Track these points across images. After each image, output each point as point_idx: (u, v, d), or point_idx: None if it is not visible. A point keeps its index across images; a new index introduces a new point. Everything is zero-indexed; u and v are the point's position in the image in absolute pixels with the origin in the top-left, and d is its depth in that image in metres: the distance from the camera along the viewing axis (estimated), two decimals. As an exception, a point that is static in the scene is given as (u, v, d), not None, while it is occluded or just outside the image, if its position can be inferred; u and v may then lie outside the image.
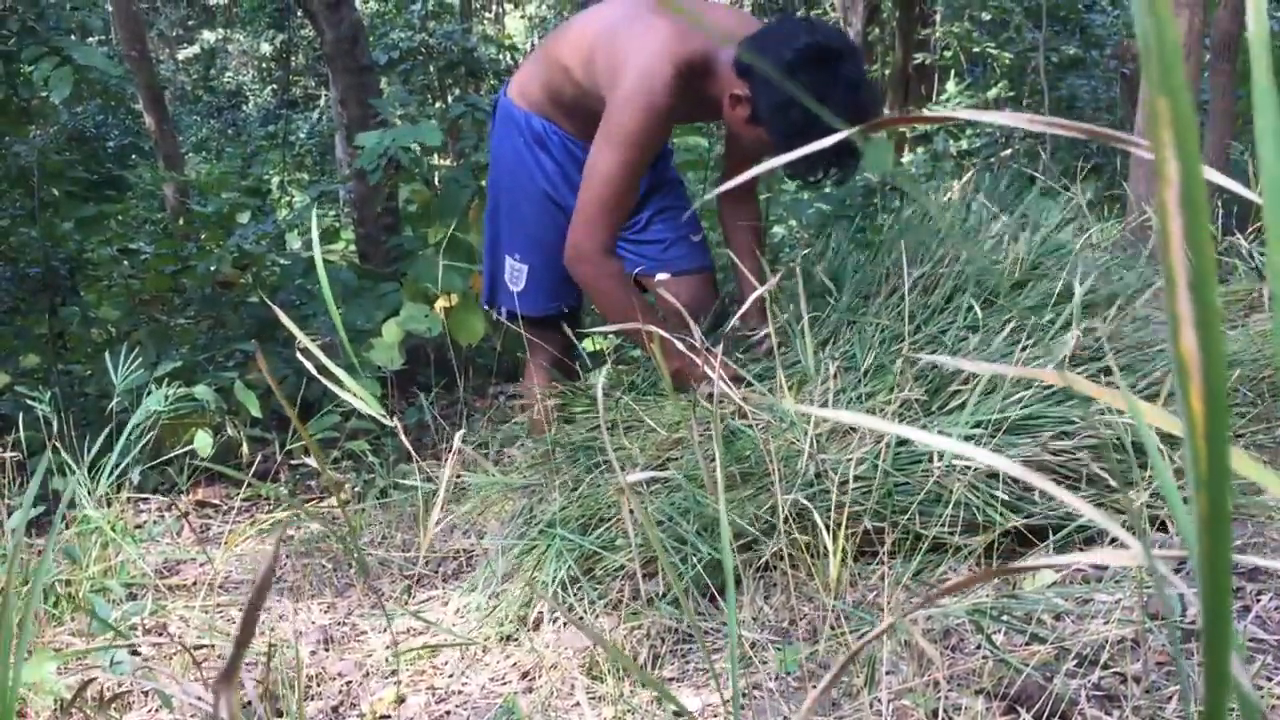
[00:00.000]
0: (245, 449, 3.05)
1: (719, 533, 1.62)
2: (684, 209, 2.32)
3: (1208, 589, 0.37)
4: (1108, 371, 1.78)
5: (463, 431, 1.51)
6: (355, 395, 1.07)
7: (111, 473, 2.22)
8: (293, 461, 3.01)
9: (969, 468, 1.63)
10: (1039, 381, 1.73)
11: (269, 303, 1.51)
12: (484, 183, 3.95)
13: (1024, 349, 1.78)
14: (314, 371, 1.12)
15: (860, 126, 0.50)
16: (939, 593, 0.50)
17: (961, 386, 1.75)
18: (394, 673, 1.67)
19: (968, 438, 1.67)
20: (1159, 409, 0.52)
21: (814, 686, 1.42)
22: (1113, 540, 1.48)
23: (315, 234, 1.16)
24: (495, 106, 2.30)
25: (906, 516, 1.64)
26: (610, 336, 2.78)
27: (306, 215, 6.20)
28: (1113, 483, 1.64)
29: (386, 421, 1.13)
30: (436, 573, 2.10)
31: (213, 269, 4.29)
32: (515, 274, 2.28)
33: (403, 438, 1.44)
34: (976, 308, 1.84)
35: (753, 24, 2.03)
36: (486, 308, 2.42)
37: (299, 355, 1.20)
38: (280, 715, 1.54)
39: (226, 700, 0.51)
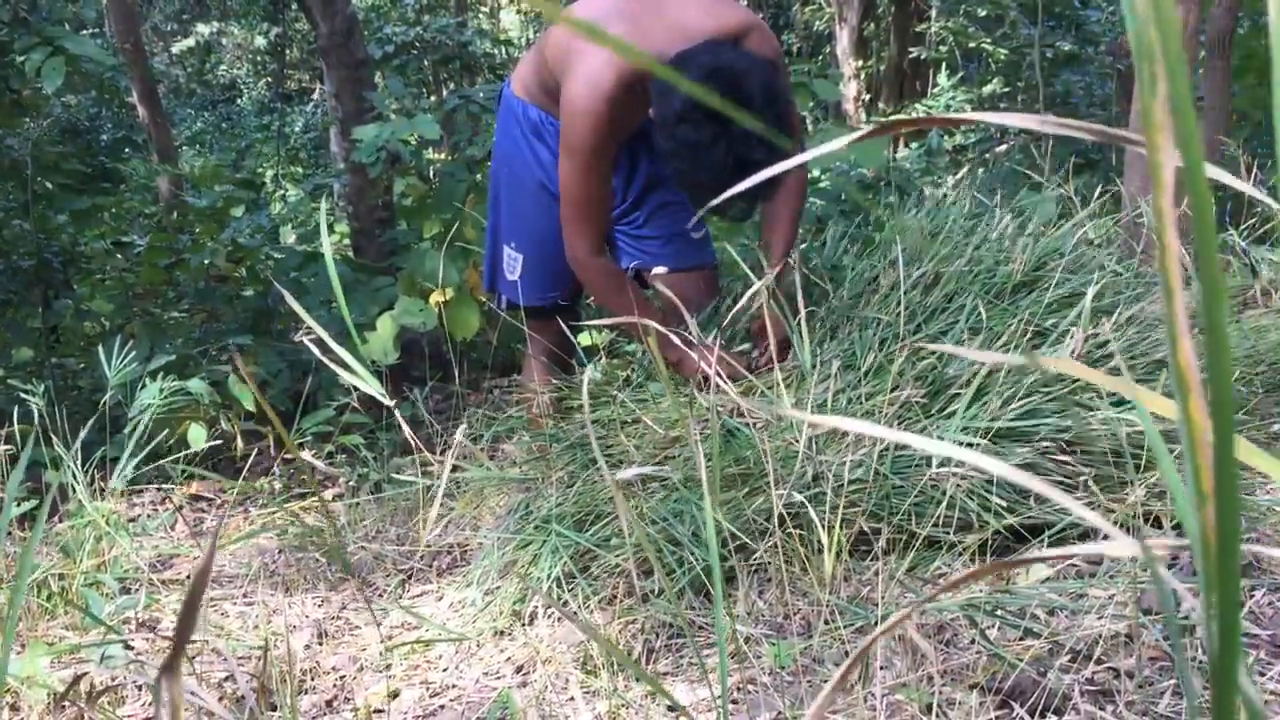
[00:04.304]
0: (239, 443, 3.05)
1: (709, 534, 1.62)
2: (685, 204, 2.31)
3: (1217, 602, 0.37)
4: (1113, 374, 1.78)
5: (464, 427, 1.51)
6: (359, 377, 1.08)
7: (104, 465, 2.22)
8: (287, 456, 3.01)
9: (961, 471, 1.63)
10: (1037, 386, 1.73)
11: (277, 285, 1.51)
12: (480, 177, 3.95)
13: (1027, 350, 1.78)
14: (319, 355, 1.13)
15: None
16: (938, 590, 0.50)
17: (961, 390, 1.75)
18: (388, 667, 1.67)
19: (965, 443, 1.67)
20: (1160, 397, 0.51)
21: (808, 681, 1.42)
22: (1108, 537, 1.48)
23: (324, 226, 1.16)
24: (500, 97, 2.31)
25: (901, 515, 1.65)
26: (605, 331, 2.78)
27: (300, 209, 6.20)
28: (1095, 485, 1.65)
29: (387, 401, 1.13)
30: (431, 567, 2.09)
31: (207, 262, 4.28)
32: (511, 263, 2.29)
33: (404, 426, 1.44)
34: (981, 308, 1.84)
35: (724, 17, 1.95)
36: (488, 292, 2.43)
37: (306, 342, 1.21)
38: (274, 709, 1.53)
39: (169, 690, 0.50)
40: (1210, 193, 0.34)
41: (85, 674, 1.49)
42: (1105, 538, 0.46)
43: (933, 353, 1.85)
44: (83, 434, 2.21)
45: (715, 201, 0.61)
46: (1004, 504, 1.63)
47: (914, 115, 7.60)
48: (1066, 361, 0.53)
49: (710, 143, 1.75)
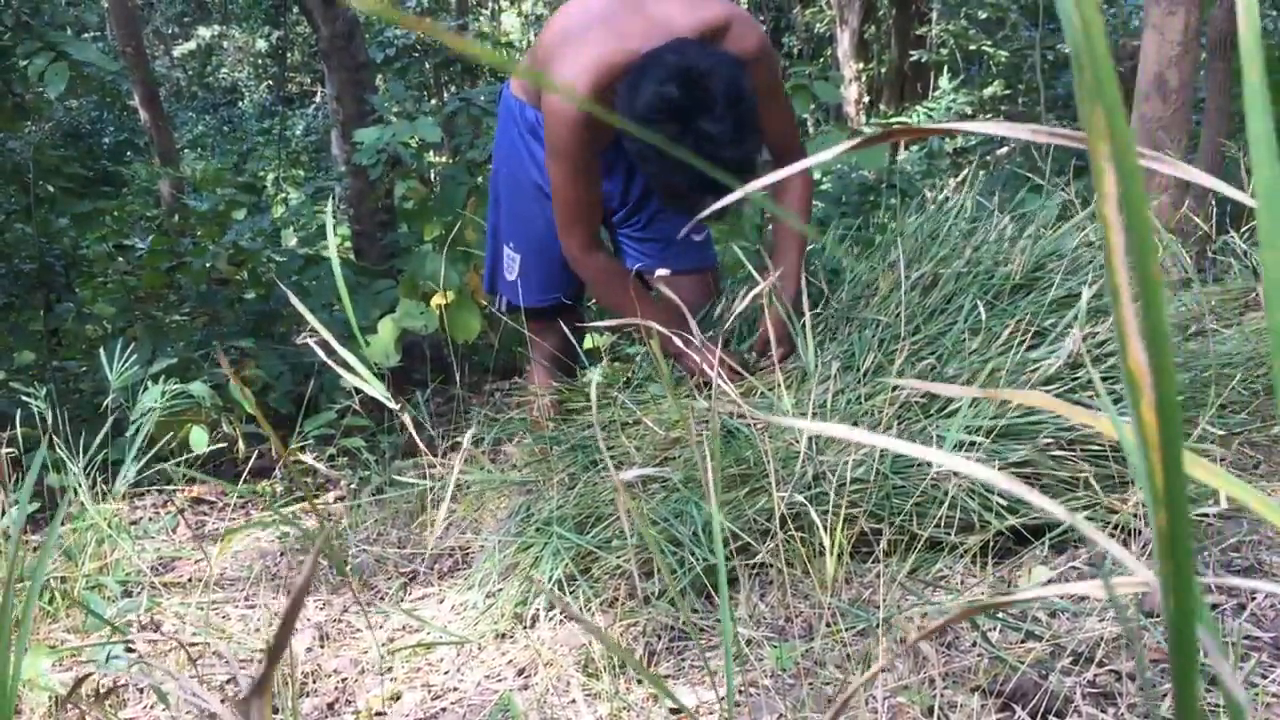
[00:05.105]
0: (241, 446, 3.05)
1: (715, 535, 1.63)
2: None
3: (1172, 608, 0.37)
4: (1109, 376, 1.78)
5: (472, 431, 1.51)
6: (362, 380, 1.08)
7: (106, 469, 2.22)
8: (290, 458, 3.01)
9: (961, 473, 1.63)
10: (1038, 384, 1.73)
11: (283, 286, 1.52)
12: (480, 180, 3.95)
13: (1024, 351, 1.78)
14: (324, 357, 1.14)
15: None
16: (933, 629, 0.50)
17: (962, 389, 1.75)
18: (389, 670, 1.67)
19: (966, 442, 1.67)
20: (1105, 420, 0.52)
21: (809, 684, 1.42)
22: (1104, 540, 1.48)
23: (331, 230, 1.17)
24: (500, 98, 2.32)
25: (902, 517, 1.65)
26: (607, 334, 2.78)
27: (301, 212, 6.21)
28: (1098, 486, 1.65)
29: (392, 404, 1.14)
30: (432, 569, 2.10)
31: (208, 265, 4.28)
32: (510, 263, 2.29)
33: (410, 429, 1.45)
34: (981, 309, 1.84)
35: (705, 13, 1.92)
36: (488, 293, 2.43)
37: (311, 344, 1.21)
38: (276, 712, 1.54)
39: (258, 712, 0.51)
40: (1145, 196, 0.35)
41: (89, 675, 1.49)
42: (1108, 537, 0.47)
43: (932, 353, 1.85)
44: (84, 437, 2.21)
45: (707, 212, 0.61)
46: (1005, 504, 1.63)
47: (914, 118, 7.60)
48: (1038, 395, 0.54)
49: (675, 141, 1.72)
